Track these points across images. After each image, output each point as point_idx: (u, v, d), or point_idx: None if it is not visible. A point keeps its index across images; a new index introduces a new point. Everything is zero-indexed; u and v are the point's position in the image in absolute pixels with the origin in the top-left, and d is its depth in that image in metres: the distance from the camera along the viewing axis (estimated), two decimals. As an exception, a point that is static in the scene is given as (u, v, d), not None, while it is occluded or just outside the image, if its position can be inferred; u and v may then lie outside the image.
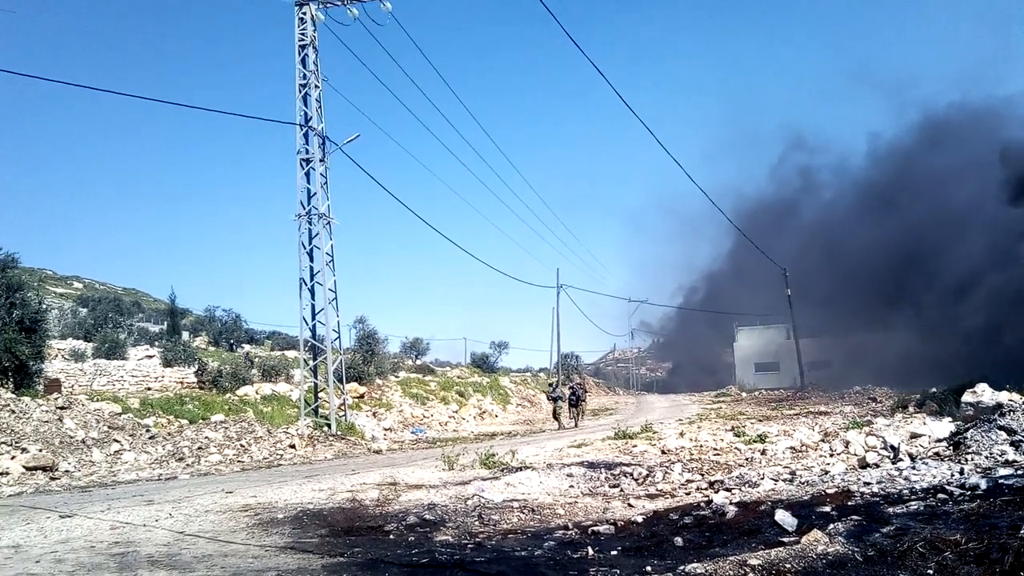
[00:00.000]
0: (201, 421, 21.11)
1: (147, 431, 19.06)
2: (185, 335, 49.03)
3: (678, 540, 7.48)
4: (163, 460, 17.63)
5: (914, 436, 12.63)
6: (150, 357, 40.26)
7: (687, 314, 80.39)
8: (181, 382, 29.97)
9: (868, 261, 46.63)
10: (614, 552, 7.23)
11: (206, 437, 19.42)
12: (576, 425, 30.13)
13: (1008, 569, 5.37)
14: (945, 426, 12.86)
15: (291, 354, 36.27)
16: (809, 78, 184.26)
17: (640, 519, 8.74)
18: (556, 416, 30.98)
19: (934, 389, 20.83)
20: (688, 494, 10.59)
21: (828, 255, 53.40)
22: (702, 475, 12.08)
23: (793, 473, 11.19)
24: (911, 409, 20.63)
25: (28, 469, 15.01)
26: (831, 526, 7.10)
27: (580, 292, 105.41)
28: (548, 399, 32.93)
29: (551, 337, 73.86)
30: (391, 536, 8.40)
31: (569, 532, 8.24)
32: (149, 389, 27.62)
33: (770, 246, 59.45)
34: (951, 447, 11.12)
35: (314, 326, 24.46)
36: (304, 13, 24.13)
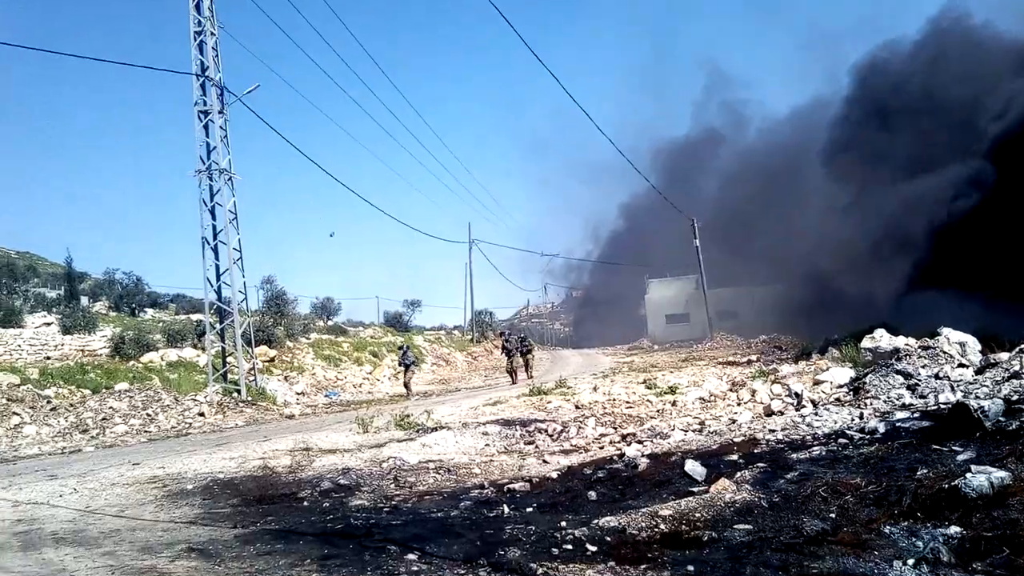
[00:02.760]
0: (105, 391, 20.39)
1: (48, 402, 18.37)
2: (84, 300, 47.36)
3: (592, 494, 7.58)
4: (66, 432, 17.05)
5: (817, 383, 13.04)
6: (48, 324, 38.72)
7: (599, 267, 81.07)
8: (82, 350, 28.97)
9: (771, 209, 47.42)
10: (529, 509, 7.28)
11: (111, 407, 18.82)
12: (530, 377, 28.87)
13: (906, 510, 5.58)
14: (846, 372, 13.30)
15: (197, 317, 35.30)
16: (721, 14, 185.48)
17: (555, 475, 8.82)
18: (511, 371, 29.36)
19: (836, 336, 21.49)
20: (602, 448, 10.74)
21: (739, 203, 54.11)
22: (615, 428, 12.25)
23: (702, 423, 11.45)
24: (814, 356, 21.27)
25: (-81, 449, 14.34)
26: (738, 474, 7.29)
27: (493, 248, 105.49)
28: (502, 352, 31.53)
29: (464, 294, 73.71)
30: (305, 503, 8.28)
31: (485, 491, 8.26)
32: (48, 358, 26.65)
33: (689, 190, 60.01)
34: (851, 392, 11.52)
35: (219, 287, 23.69)
36: (197, -45, 23.00)
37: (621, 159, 39.58)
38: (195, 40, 23.00)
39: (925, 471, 6.27)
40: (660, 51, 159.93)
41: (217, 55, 23.27)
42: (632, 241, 75.81)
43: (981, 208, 27.88)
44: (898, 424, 8.56)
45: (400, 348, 28.99)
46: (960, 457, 6.52)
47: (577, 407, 15.85)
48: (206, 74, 23.07)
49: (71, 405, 18.72)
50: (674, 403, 14.58)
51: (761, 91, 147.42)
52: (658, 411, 13.96)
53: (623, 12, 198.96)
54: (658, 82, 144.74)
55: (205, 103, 23.19)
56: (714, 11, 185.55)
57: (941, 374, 10.83)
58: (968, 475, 5.54)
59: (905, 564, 4.67)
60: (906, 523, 5.34)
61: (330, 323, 47.75)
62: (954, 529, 5.01)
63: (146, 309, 49.13)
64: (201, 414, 19.88)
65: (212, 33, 23.12)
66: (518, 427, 13.15)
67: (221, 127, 23.30)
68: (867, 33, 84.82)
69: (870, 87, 40.45)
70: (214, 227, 23.45)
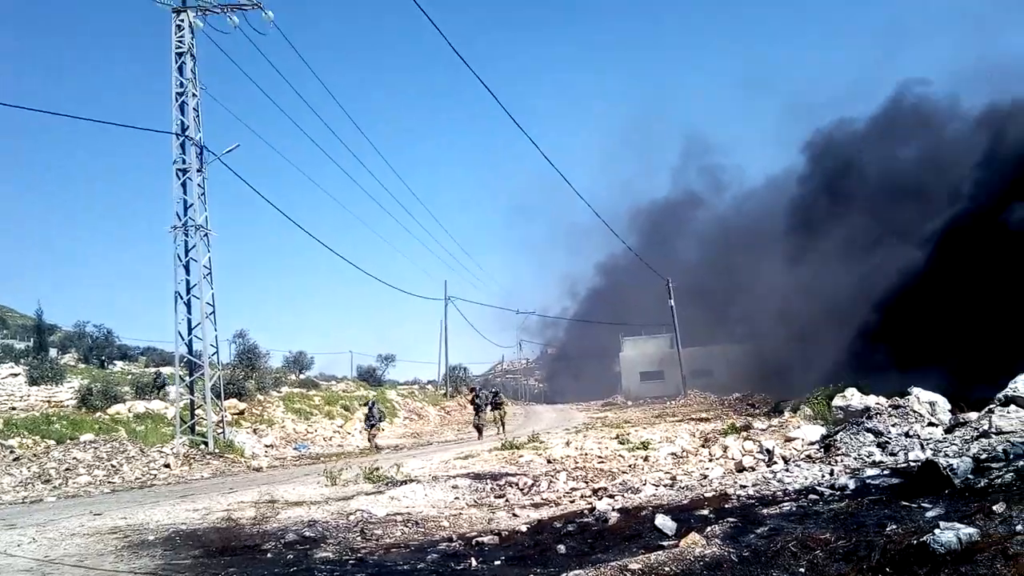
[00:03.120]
0: (69, 441, 20.07)
1: (11, 452, 18.07)
2: (53, 352, 46.71)
3: (561, 548, 7.50)
4: (28, 482, 16.71)
5: (788, 440, 13.07)
6: (15, 375, 38.12)
7: (575, 324, 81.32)
8: (48, 401, 28.50)
9: (744, 271, 48.06)
10: (498, 562, 7.18)
11: (74, 458, 18.47)
12: (502, 432, 28.11)
13: (875, 565, 5.56)
14: (817, 429, 13.35)
15: (167, 370, 34.94)
16: (710, 84, 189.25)
17: (525, 528, 8.72)
18: (478, 426, 29.22)
19: (808, 395, 21.60)
20: (572, 502, 10.66)
21: (714, 264, 54.82)
22: (586, 483, 12.17)
23: (674, 478, 11.40)
24: (786, 414, 21.34)
25: None
26: (708, 529, 7.24)
27: (468, 304, 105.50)
28: (471, 406, 30.77)
29: (439, 349, 73.57)
30: (268, 555, 8.12)
31: (453, 544, 8.14)
32: (14, 409, 26.16)
33: (666, 251, 60.56)
34: (822, 449, 11.55)
35: (190, 340, 23.51)
36: (182, 20, 23.23)
37: (599, 220, 40.03)
38: (176, 100, 23.25)
39: (894, 527, 6.27)
40: (643, 115, 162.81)
41: (198, 115, 23.47)
42: (608, 299, 76.31)
43: (924, 286, 28.45)
44: (868, 481, 8.57)
45: (367, 403, 28.67)
46: (929, 514, 6.52)
47: (549, 461, 15.75)
48: (186, 134, 23.22)
49: (35, 455, 18.41)
50: (646, 458, 14.54)
51: (740, 157, 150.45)
52: (630, 466, 13.91)
53: (607, 73, 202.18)
54: (640, 144, 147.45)
55: (184, 161, 23.28)
56: (700, 78, 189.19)
57: (911, 432, 10.88)
58: (936, 531, 5.53)
59: (874, 619, 4.64)
60: (875, 578, 5.33)
61: (302, 377, 47.37)
62: (923, 585, 4.99)
63: (116, 361, 48.48)
64: (167, 465, 19.53)
65: (194, 94, 23.34)
66: (489, 480, 13.04)
67: (199, 185, 23.42)
68: (851, 103, 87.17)
69: (823, 166, 41.56)
70: (187, 281, 23.36)
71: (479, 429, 28.87)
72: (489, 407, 29.80)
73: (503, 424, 29.58)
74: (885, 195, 34.18)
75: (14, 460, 17.63)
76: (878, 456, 10.30)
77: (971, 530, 5.51)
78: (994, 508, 5.94)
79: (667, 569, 6.16)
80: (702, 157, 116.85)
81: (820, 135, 46.05)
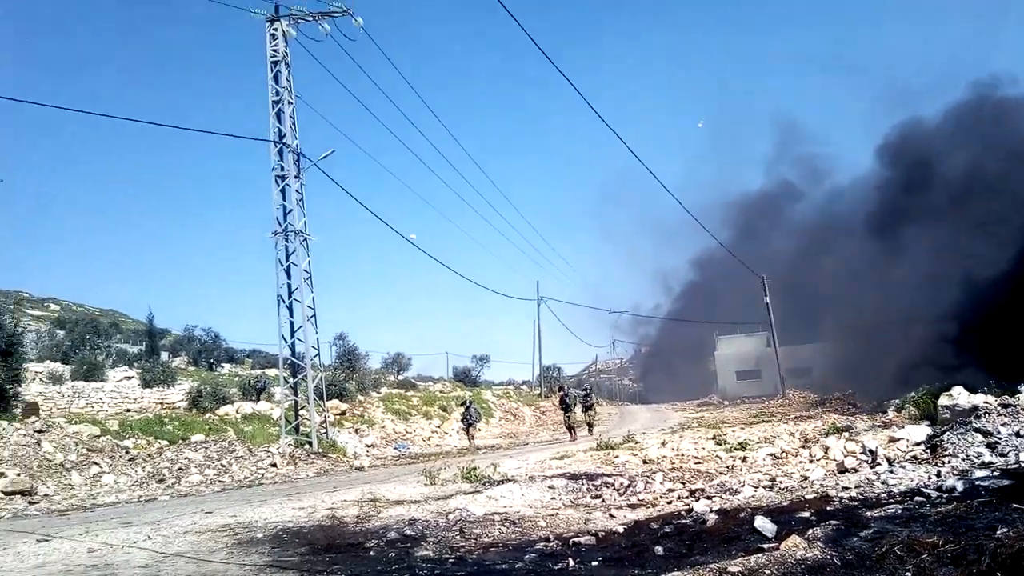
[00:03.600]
0: (181, 442, 20.92)
1: (126, 453, 18.86)
2: (164, 355, 48.70)
3: (659, 549, 7.50)
4: (143, 482, 17.46)
5: (892, 440, 12.72)
6: (129, 378, 39.94)
7: (668, 323, 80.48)
8: (160, 403, 29.76)
9: (844, 266, 46.56)
10: (595, 563, 7.23)
11: (186, 458, 19.25)
12: (591, 433, 28.41)
13: (985, 569, 5.42)
14: (923, 430, 12.96)
15: (272, 372, 36.07)
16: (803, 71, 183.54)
17: (621, 529, 8.74)
18: (570, 427, 28.88)
19: (912, 394, 20.94)
20: (669, 503, 10.61)
21: (815, 258, 53.17)
22: (683, 484, 12.09)
23: (773, 480, 11.24)
24: (890, 414, 20.75)
25: (6, 494, 14.83)
26: (810, 531, 7.14)
27: (561, 304, 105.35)
28: (560, 407, 30.15)
29: (532, 350, 73.83)
30: (371, 553, 8.35)
31: (550, 544, 8.22)
32: (128, 411, 27.42)
33: (761, 245, 59.16)
34: (928, 450, 11.21)
35: (293, 343, 24.31)
36: (275, 29, 24.05)
37: (687, 219, 39.53)
38: (273, 109, 24.07)
39: (1005, 530, 6.08)
40: (732, 105, 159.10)
41: (294, 123, 24.26)
42: (702, 296, 75.18)
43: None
44: (977, 482, 8.31)
45: (463, 404, 28.94)
46: (1042, 516, 6.31)
47: (645, 462, 15.69)
48: (283, 141, 24.02)
49: (148, 455, 19.17)
50: (744, 459, 14.35)
51: (836, 146, 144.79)
52: (727, 467, 13.74)
53: (693, 65, 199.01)
54: (731, 136, 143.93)
55: (282, 168, 24.08)
56: (785, 66, 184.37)
57: (1022, 432, 10.48)
58: (1050, 535, 5.37)
59: (983, 625, 4.54)
60: (985, 583, 5.20)
61: (400, 378, 48.26)
62: (1035, 590, 4.86)
63: (223, 364, 50.24)
64: (274, 465, 20.20)
65: (289, 102, 24.15)
66: (584, 481, 13.07)
67: (297, 191, 24.13)
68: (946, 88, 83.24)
69: (902, 165, 39.88)
70: (289, 286, 24.17)
71: (571, 430, 28.72)
72: (580, 407, 29.64)
73: (591, 425, 29.59)
74: (973, 192, 32.61)
75: (129, 460, 18.42)
76: (987, 457, 9.96)
77: (1086, 534, 5.32)
78: (1114, 512, 5.71)
79: (767, 572, 6.11)
80: (796, 147, 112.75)
81: (894, 134, 44.11)
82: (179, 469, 18.49)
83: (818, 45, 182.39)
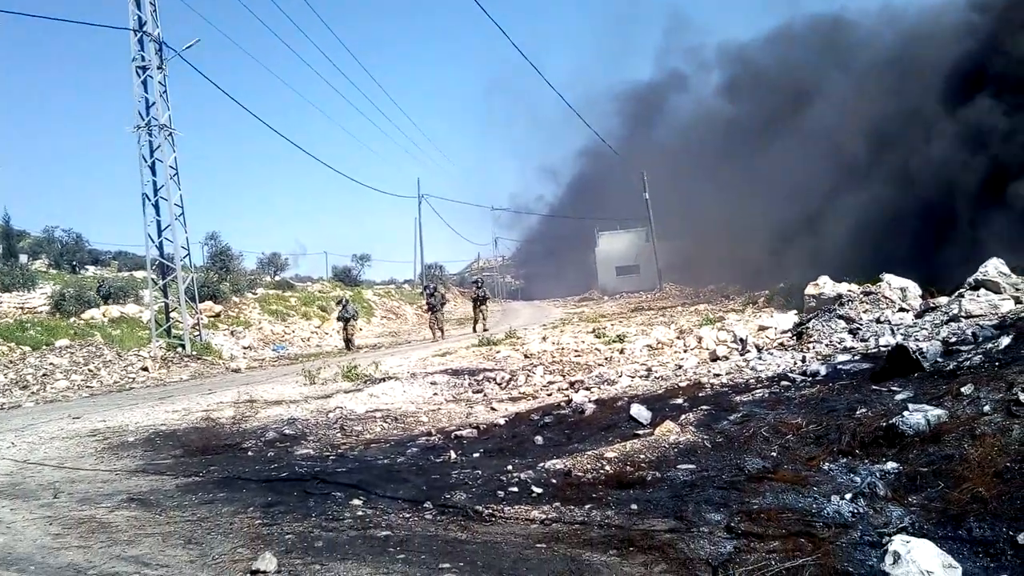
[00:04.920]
0: (45, 347, 19.98)
1: (-14, 360, 17.93)
2: (23, 258, 46.09)
3: (539, 439, 7.60)
4: (5, 389, 16.66)
5: (762, 329, 13.24)
6: (-15, 283, 37.67)
7: (551, 219, 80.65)
8: (21, 307, 28.23)
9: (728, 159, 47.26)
10: (476, 454, 7.28)
11: (51, 363, 18.44)
12: (484, 328, 26.96)
13: (845, 447, 5.68)
14: (790, 318, 13.52)
15: (140, 274, 34.62)
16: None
17: (502, 421, 8.83)
18: (434, 327, 27.09)
19: (782, 284, 21.79)
20: (550, 395, 10.79)
21: (694, 153, 53.63)
22: (563, 376, 12.30)
23: (649, 370, 11.54)
24: (760, 304, 21.61)
25: None
26: (683, 417, 7.35)
27: (443, 202, 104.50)
28: (426, 308, 28.28)
29: (414, 248, 73.34)
30: (249, 453, 8.20)
31: (432, 438, 8.23)
32: (-14, 317, 25.93)
33: (646, 140, 59.26)
34: (795, 337, 11.71)
35: (161, 243, 23.27)
36: (134, -97, 22.21)
37: (569, 111, 39.24)
38: (132, -7, 22.28)
39: (864, 410, 6.37)
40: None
41: (155, 10, 22.58)
42: (587, 190, 75.18)
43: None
44: (839, 367, 8.71)
45: (339, 302, 28.47)
46: (898, 397, 6.62)
47: (526, 356, 15.88)
48: (144, 29, 22.41)
49: (10, 362, 18.32)
50: (622, 351, 14.69)
51: (724, 35, 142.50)
52: (606, 359, 14.05)
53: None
54: (619, 26, 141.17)
55: (143, 58, 22.59)
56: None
57: (882, 318, 11.01)
58: (905, 413, 5.64)
59: (843, 498, 4.74)
60: (845, 460, 5.45)
61: (277, 279, 47.12)
62: (891, 465, 5.10)
63: (87, 266, 47.87)
64: (145, 369, 19.55)
65: (149, -13, 22.38)
66: (466, 376, 13.15)
67: (160, 83, 22.77)
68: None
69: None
70: (154, 183, 23.01)
71: (434, 330, 27.11)
72: (474, 301, 29.00)
73: (484, 320, 28.50)
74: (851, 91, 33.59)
75: (-10, 367, 17.55)
76: (849, 342, 10.45)
77: (939, 411, 5.61)
78: (962, 390, 6.03)
79: (642, 456, 6.27)
80: (685, 37, 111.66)
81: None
82: (44, 375, 17.70)
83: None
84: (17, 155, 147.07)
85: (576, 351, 15.79)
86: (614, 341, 16.53)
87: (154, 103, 22.70)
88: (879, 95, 30.18)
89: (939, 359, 7.49)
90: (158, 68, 22.60)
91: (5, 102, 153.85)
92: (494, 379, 12.49)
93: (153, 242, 23.21)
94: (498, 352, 16.95)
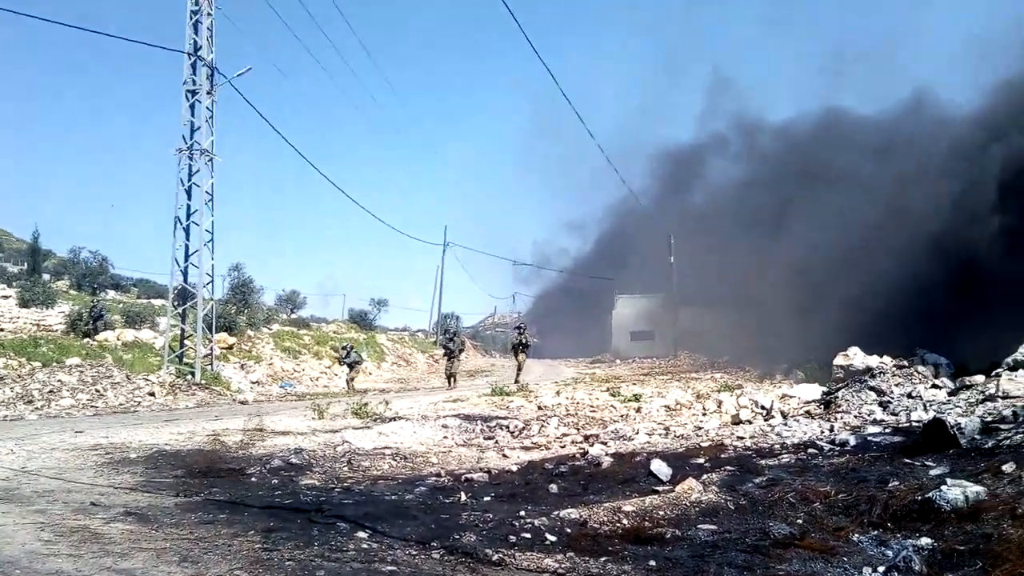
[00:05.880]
0: (55, 364, 19.88)
1: (-6, 371, 17.84)
2: (46, 277, 46.38)
3: (553, 488, 7.34)
4: (10, 402, 16.53)
5: (785, 397, 12.92)
6: (6, 297, 37.88)
7: (571, 279, 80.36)
8: (38, 324, 28.26)
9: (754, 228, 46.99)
10: (487, 498, 7.02)
11: (59, 380, 18.29)
12: (517, 377, 26.11)
13: (876, 519, 5.41)
14: (815, 388, 13.19)
15: (158, 302, 34.70)
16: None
17: (515, 468, 8.57)
18: (449, 375, 26.83)
19: (804, 359, 21.41)
20: (564, 447, 10.49)
21: (725, 219, 53.12)
22: (578, 429, 12.01)
23: (668, 428, 11.26)
24: (778, 377, 21.25)
25: None
26: (705, 476, 7.09)
27: (465, 252, 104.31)
28: (444, 355, 28.03)
29: (432, 296, 73.41)
30: (253, 478, 7.97)
31: (442, 479, 7.98)
32: (2, 330, 25.93)
33: (674, 200, 59.05)
34: (822, 406, 11.41)
35: (186, 268, 23.24)
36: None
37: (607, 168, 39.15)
38: (191, 19, 22.75)
39: (897, 483, 6.13)
40: (670, 59, 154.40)
41: (211, 35, 22.96)
42: (611, 250, 74.90)
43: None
44: (869, 438, 8.44)
45: (343, 347, 28.23)
46: (933, 472, 6.37)
47: (539, 408, 15.58)
48: (198, 53, 22.74)
49: (19, 376, 18.24)
50: (639, 409, 14.38)
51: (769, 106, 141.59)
52: (622, 416, 13.75)
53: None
54: (667, 87, 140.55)
55: (194, 82, 22.89)
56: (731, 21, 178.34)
57: (914, 393, 10.74)
58: (943, 488, 5.41)
59: (875, 571, 4.49)
60: (876, 532, 5.22)
61: (294, 316, 47.12)
62: (925, 540, 4.88)
63: (108, 290, 48.08)
64: (151, 394, 19.34)
65: (208, 13, 22.87)
66: (479, 422, 12.88)
67: (208, 107, 23.00)
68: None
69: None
70: (188, 207, 23.13)
71: (450, 377, 26.77)
72: (515, 348, 28.12)
73: (519, 369, 27.33)
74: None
75: (-2, 379, 17.44)
76: (879, 415, 10.17)
77: (978, 488, 5.37)
78: (1003, 468, 5.80)
79: (662, 513, 6.00)
80: (728, 100, 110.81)
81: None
82: (50, 392, 17.55)
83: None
84: (51, 175, 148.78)
85: (591, 407, 15.49)
86: (630, 400, 16.23)
87: (199, 127, 22.88)
88: (926, 195, 30.05)
89: (977, 436, 7.21)
90: (208, 93, 22.85)
91: (42, 119, 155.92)
92: (507, 427, 12.20)
93: (179, 266, 23.20)
94: (511, 402, 16.68)
